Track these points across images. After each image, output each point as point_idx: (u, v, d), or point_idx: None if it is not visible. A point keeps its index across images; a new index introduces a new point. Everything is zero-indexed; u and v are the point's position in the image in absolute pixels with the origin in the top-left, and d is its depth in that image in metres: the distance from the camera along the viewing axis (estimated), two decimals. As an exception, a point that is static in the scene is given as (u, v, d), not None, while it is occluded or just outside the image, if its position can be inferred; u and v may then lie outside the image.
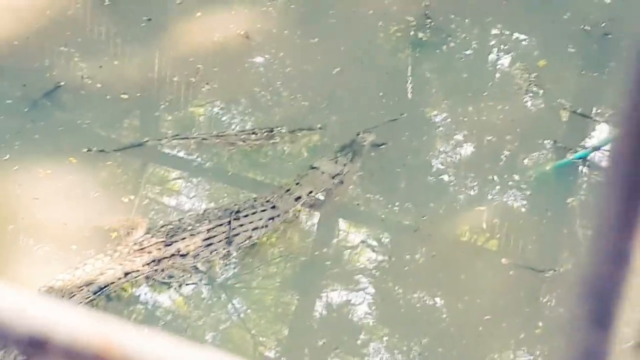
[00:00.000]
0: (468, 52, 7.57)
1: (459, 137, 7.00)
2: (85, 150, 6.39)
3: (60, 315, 0.43)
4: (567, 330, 0.50)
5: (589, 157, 6.72)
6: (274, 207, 6.28)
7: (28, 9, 7.41)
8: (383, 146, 6.70)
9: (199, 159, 6.70)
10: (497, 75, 7.68)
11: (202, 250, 6.06)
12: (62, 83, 6.77)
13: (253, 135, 6.76)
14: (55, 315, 0.43)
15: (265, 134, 6.75)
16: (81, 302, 5.83)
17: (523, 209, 6.75)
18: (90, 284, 5.78)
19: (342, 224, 6.72)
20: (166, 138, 6.74)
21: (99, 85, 6.84)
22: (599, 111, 7.18)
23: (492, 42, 7.99)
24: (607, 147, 6.74)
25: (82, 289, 5.76)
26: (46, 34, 7.22)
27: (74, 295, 5.77)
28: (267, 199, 6.34)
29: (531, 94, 7.26)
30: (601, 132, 7.05)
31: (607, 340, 0.46)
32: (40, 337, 0.42)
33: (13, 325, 0.42)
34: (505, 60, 7.67)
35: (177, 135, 6.72)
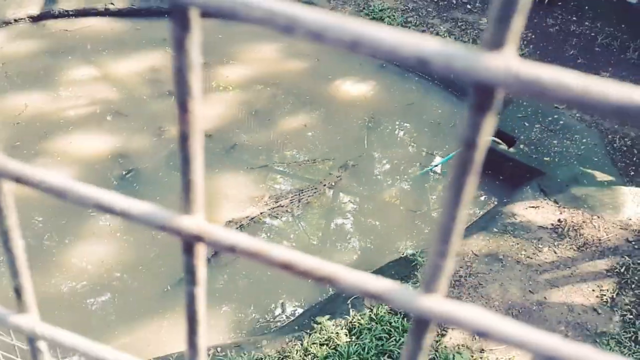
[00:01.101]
0: (390, 129, 7.77)
1: (385, 161, 7.39)
2: (245, 168, 6.97)
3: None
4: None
5: (433, 169, 7.22)
6: (315, 188, 6.80)
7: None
8: (356, 165, 7.14)
9: (288, 170, 7.10)
10: (406, 145, 7.63)
11: (288, 204, 6.61)
12: (237, 143, 7.25)
13: (307, 162, 7.18)
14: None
15: (311, 161, 7.20)
16: (243, 224, 6.30)
17: (409, 189, 7.08)
18: (247, 217, 6.38)
19: (341, 194, 6.91)
20: (274, 164, 7.19)
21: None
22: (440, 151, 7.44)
23: (401, 130, 7.88)
24: (447, 162, 7.16)
25: (244, 219, 6.32)
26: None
27: (242, 222, 6.27)
28: (313, 185, 6.85)
29: (414, 146, 7.53)
30: (437, 161, 7.30)
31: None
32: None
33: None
34: (406, 140, 7.72)
35: (280, 163, 7.21)
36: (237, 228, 6.33)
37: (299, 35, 0.27)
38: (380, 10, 9.54)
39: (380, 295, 0.33)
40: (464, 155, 0.29)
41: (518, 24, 0.26)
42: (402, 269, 5.75)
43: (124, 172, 6.78)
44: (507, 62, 0.26)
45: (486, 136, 0.28)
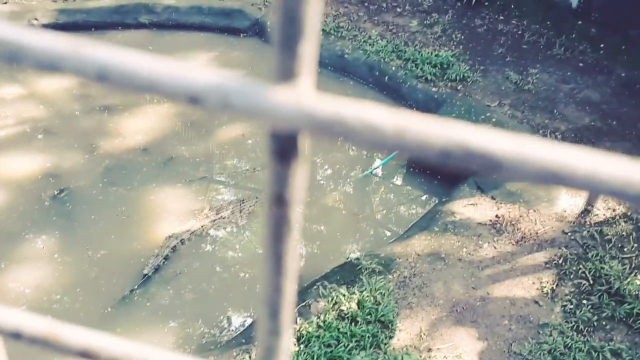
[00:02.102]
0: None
1: (326, 166, 7.51)
2: (184, 181, 6.93)
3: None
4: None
5: (374, 172, 7.40)
6: (256, 197, 6.85)
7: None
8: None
9: (229, 181, 7.13)
10: (346, 149, 7.57)
11: (230, 215, 6.59)
12: (174, 156, 7.24)
13: (248, 171, 7.23)
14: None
15: (251, 170, 7.24)
16: (184, 238, 6.22)
17: (352, 191, 7.21)
18: (188, 230, 6.30)
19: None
20: (214, 175, 7.21)
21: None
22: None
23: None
24: (381, 167, 7.40)
25: (185, 233, 6.25)
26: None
27: (182, 237, 6.18)
28: (254, 194, 6.90)
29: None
30: (377, 164, 7.40)
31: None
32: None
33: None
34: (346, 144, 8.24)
35: (220, 174, 7.24)
36: (178, 242, 6.22)
37: (28, 65, 0.20)
38: (313, 16, 9.45)
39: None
40: (275, 215, 0.25)
41: (309, 48, 0.19)
42: (347, 273, 5.74)
43: (56, 192, 6.63)
44: (299, 97, 0.20)
45: (299, 189, 0.21)
